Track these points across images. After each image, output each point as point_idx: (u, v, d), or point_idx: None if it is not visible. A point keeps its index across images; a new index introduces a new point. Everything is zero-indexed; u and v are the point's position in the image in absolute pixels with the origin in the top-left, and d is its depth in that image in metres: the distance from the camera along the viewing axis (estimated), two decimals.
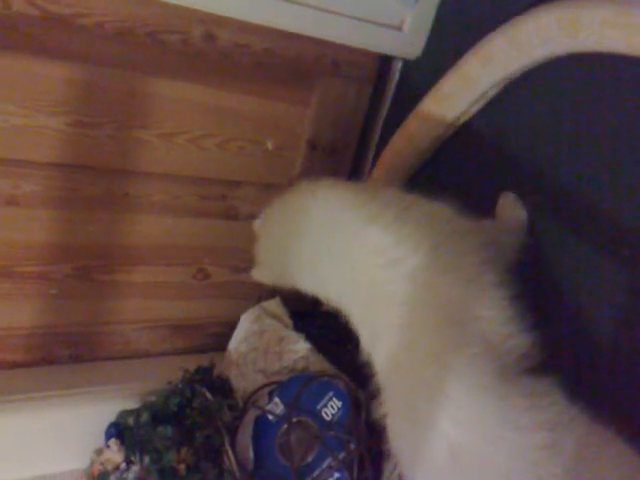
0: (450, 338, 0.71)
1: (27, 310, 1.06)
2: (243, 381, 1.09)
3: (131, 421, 1.02)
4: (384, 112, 1.21)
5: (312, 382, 0.97)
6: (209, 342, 1.23)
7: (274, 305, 1.16)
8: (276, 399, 0.98)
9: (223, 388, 1.08)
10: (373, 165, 1.19)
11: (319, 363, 1.04)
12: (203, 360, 1.13)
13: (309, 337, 1.09)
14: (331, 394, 0.94)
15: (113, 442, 1.00)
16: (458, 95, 1.02)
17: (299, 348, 1.07)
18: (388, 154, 1.14)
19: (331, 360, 1.04)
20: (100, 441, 1.02)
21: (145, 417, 1.01)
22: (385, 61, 1.19)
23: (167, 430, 0.98)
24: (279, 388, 0.99)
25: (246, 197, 1.17)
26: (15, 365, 1.07)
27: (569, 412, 0.66)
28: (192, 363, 1.11)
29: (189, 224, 1.13)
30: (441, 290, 0.74)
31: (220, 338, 1.20)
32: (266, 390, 1.00)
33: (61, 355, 1.11)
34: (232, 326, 1.18)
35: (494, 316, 0.73)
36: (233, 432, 0.99)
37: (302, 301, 1.26)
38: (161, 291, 1.16)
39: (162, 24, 0.98)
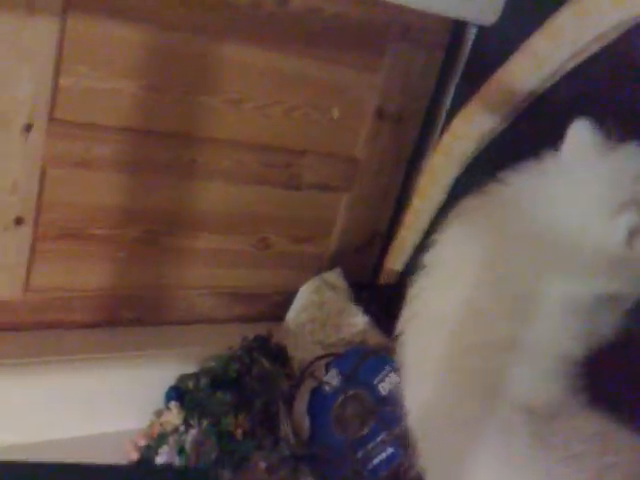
0: (489, 406, 0.63)
1: (95, 272, 1.08)
2: (300, 351, 1.09)
3: (191, 385, 1.03)
4: (456, 80, 1.16)
5: (370, 356, 0.95)
6: (268, 311, 1.23)
7: (334, 276, 1.15)
8: (333, 371, 0.97)
9: (280, 357, 1.09)
10: (442, 134, 1.16)
11: (377, 337, 1.03)
12: (262, 328, 1.14)
13: (368, 310, 1.08)
14: (388, 369, 0.92)
15: (173, 405, 1.02)
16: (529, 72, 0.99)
17: (358, 321, 1.06)
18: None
19: (389, 334, 1.03)
20: (160, 403, 1.05)
21: (204, 382, 1.03)
22: (458, 27, 1.14)
23: (226, 396, 0.99)
24: (336, 360, 0.98)
25: (310, 166, 1.15)
26: (82, 325, 1.10)
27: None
28: (251, 331, 1.12)
29: (253, 192, 1.13)
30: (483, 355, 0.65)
31: (279, 307, 1.20)
32: (323, 361, 1.00)
33: (125, 317, 1.13)
34: (291, 296, 1.18)
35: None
36: (289, 401, 0.99)
37: (363, 273, 1.26)
38: (224, 258, 1.16)
39: None
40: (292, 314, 1.14)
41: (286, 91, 1.08)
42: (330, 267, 1.21)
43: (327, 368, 0.98)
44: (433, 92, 1.18)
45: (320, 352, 1.05)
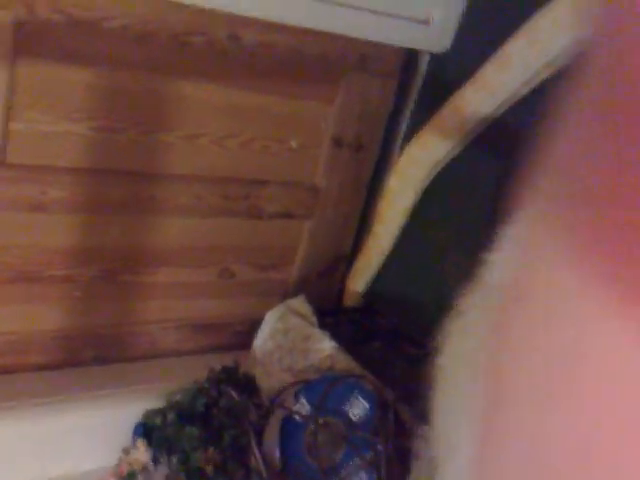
0: None
1: (52, 313, 1.06)
2: (269, 380, 1.09)
3: (158, 421, 1.02)
4: (410, 107, 1.19)
5: (338, 382, 0.96)
6: (234, 341, 1.23)
7: (299, 303, 1.16)
8: (302, 399, 0.98)
9: (249, 387, 1.08)
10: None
11: (345, 362, 1.04)
12: (228, 359, 1.13)
13: (334, 335, 1.08)
14: (357, 394, 0.93)
15: (140, 442, 1.00)
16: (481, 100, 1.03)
17: (325, 347, 1.07)
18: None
19: (358, 359, 1.04)
20: (127, 440, 1.03)
21: (171, 417, 1.02)
22: (411, 55, 1.17)
23: (194, 430, 0.98)
24: (305, 388, 0.99)
25: (271, 196, 1.16)
26: (40, 367, 1.08)
27: None
28: (217, 362, 1.12)
29: (213, 224, 1.13)
30: None
31: (245, 336, 1.20)
32: (292, 390, 1.00)
33: (87, 357, 1.12)
34: (257, 324, 1.18)
35: None
36: (260, 432, 0.99)
37: (327, 298, 1.27)
38: (186, 291, 1.16)
39: (186, 27, 0.98)
40: (258, 342, 1.14)
41: (243, 124, 1.10)
42: (295, 294, 1.22)
43: (296, 397, 0.98)
44: (389, 120, 1.21)
45: (289, 379, 1.05)
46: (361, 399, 0.93)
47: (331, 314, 1.15)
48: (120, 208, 1.04)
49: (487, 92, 1.03)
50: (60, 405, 1.03)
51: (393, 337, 1.13)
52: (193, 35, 0.99)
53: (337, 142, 1.18)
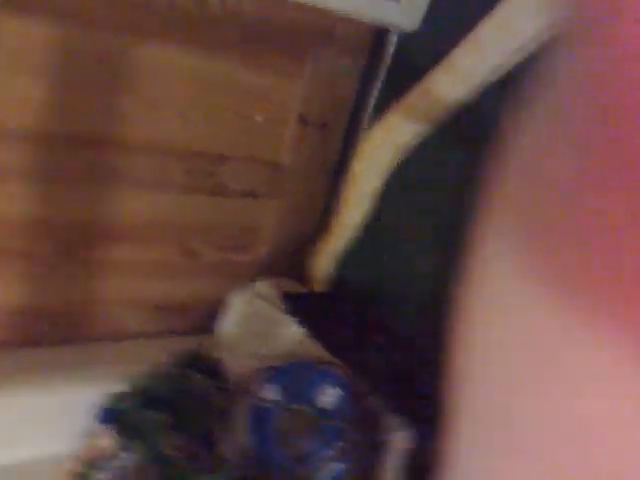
0: None
1: (7, 289, 1.02)
2: (235, 365, 1.07)
3: (123, 406, 1.00)
4: (377, 85, 1.17)
5: (309, 369, 0.96)
6: (198, 323, 1.21)
7: (265, 286, 1.14)
8: (272, 385, 0.97)
9: (214, 372, 1.07)
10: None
11: (314, 349, 1.03)
12: (191, 342, 1.12)
13: (302, 321, 1.08)
14: (329, 382, 0.93)
15: (104, 427, 0.98)
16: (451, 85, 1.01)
17: (292, 332, 1.06)
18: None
19: (327, 346, 1.03)
20: (87, 426, 1.01)
21: (136, 402, 1.00)
22: (381, 32, 1.15)
23: (161, 416, 0.97)
24: (274, 374, 0.98)
25: (234, 173, 1.13)
26: None
27: None
28: (181, 345, 1.10)
29: (175, 200, 1.09)
30: None
31: (209, 319, 1.18)
32: (260, 376, 0.99)
33: (43, 336, 1.08)
34: (220, 308, 1.16)
35: None
36: (228, 418, 0.98)
37: (293, 283, 1.25)
38: (147, 269, 1.13)
39: None
40: (223, 326, 1.13)
41: (207, 94, 1.05)
42: (260, 277, 1.20)
43: (264, 383, 0.98)
44: (356, 99, 1.19)
45: (256, 365, 1.04)
46: (333, 387, 0.93)
47: (298, 299, 1.13)
48: (78, 178, 0.99)
49: (457, 76, 1.02)
50: (14, 386, 0.99)
51: (362, 324, 1.13)
52: None
53: (303, 120, 1.15)
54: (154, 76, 1.00)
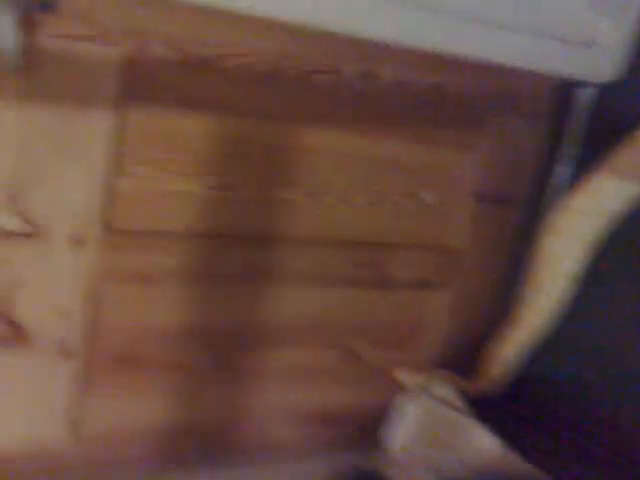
0: None
1: (155, 403, 0.89)
2: None
3: None
4: (564, 153, 1.00)
5: None
6: (361, 436, 1.03)
7: (442, 387, 0.96)
8: None
9: None
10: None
11: (518, 464, 0.83)
12: (357, 459, 0.94)
13: (496, 429, 0.88)
14: None
15: None
16: None
17: (484, 443, 0.86)
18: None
19: (534, 462, 0.83)
20: None
21: None
22: (567, 88, 0.98)
23: None
24: None
25: (402, 262, 0.98)
26: (141, 465, 0.91)
27: None
28: (346, 463, 0.92)
29: (338, 296, 0.95)
30: None
31: (374, 431, 1.00)
32: None
33: (190, 455, 0.93)
34: (388, 415, 0.99)
35: None
36: None
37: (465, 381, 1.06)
38: (307, 377, 0.97)
39: (315, 62, 0.81)
40: (395, 437, 0.94)
41: (372, 177, 0.92)
42: (431, 378, 1.02)
43: None
44: (540, 168, 1.02)
45: None
46: None
47: (483, 401, 0.94)
48: (235, 278, 0.88)
49: None
50: None
51: (565, 431, 0.91)
52: (321, 73, 0.83)
53: (478, 197, 0.99)
54: (317, 162, 0.88)
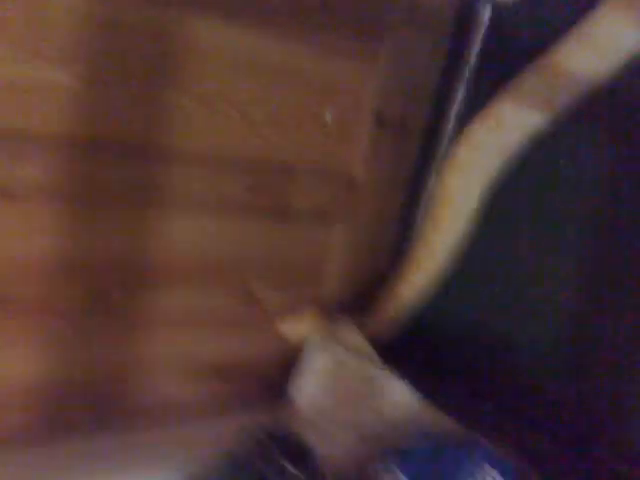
0: None
1: (27, 356, 0.70)
2: (327, 444, 0.78)
3: None
4: (465, 74, 0.94)
5: (454, 451, 0.68)
6: (262, 389, 0.90)
7: (347, 333, 0.86)
8: (400, 475, 0.68)
9: (301, 457, 0.77)
10: (451, 143, 0.93)
11: (439, 419, 0.76)
12: (260, 415, 0.81)
13: (408, 379, 0.80)
14: (487, 468, 0.66)
15: None
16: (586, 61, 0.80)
17: (399, 394, 0.78)
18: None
19: (454, 415, 0.76)
20: None
21: None
22: (468, 7, 0.93)
23: None
24: (403, 460, 0.69)
25: (300, 189, 0.86)
26: (13, 437, 0.71)
27: None
28: (248, 420, 0.79)
29: (235, 226, 0.81)
30: None
31: (277, 381, 0.88)
32: (381, 463, 0.70)
33: (76, 418, 0.75)
34: (290, 365, 0.87)
35: None
36: None
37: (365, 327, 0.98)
38: (199, 321, 0.82)
39: None
40: (302, 391, 0.83)
41: (270, 86, 0.79)
42: (328, 321, 0.92)
43: (389, 471, 0.69)
44: (439, 91, 0.95)
45: (357, 441, 0.75)
46: (493, 475, 0.65)
47: (392, 348, 0.86)
48: (113, 198, 0.70)
49: (594, 51, 0.81)
50: None
51: (479, 380, 0.86)
52: None
53: (379, 118, 0.91)
54: (209, 62, 0.74)
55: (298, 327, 0.92)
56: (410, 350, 0.91)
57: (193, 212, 0.77)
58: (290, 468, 0.72)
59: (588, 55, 0.80)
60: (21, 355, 0.69)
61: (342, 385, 0.81)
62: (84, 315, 0.72)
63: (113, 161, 0.69)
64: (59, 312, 0.70)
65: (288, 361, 0.88)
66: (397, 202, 0.98)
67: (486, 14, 0.92)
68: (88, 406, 0.76)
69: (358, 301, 0.96)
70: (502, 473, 0.65)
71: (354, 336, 0.85)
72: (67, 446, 0.72)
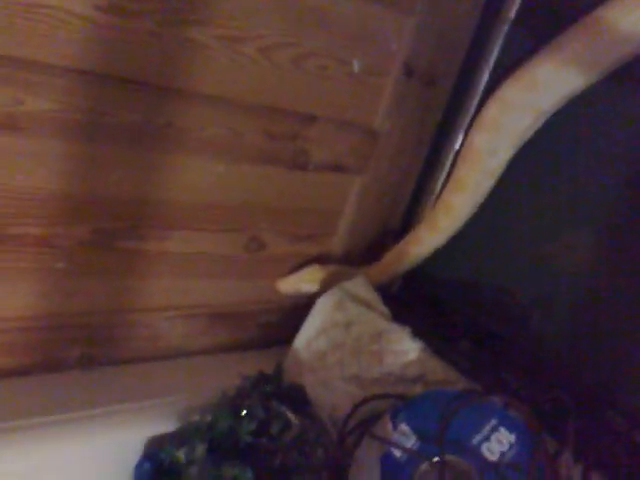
0: None
1: (23, 292, 0.71)
2: (327, 393, 0.78)
3: (181, 456, 0.70)
4: (504, 28, 0.90)
5: (460, 401, 0.67)
6: (263, 335, 0.91)
7: (359, 286, 0.85)
8: (403, 425, 0.68)
9: (302, 405, 0.77)
10: (481, 100, 0.90)
11: (442, 371, 0.75)
12: (260, 361, 0.82)
13: (416, 331, 0.80)
14: (495, 422, 0.65)
15: None
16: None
17: (407, 348, 0.78)
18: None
19: (462, 368, 0.76)
20: None
21: (201, 451, 0.70)
22: None
23: (245, 473, 0.66)
24: (407, 410, 0.69)
25: (320, 138, 0.85)
26: (5, 373, 0.73)
27: None
28: (246, 366, 0.80)
29: (247, 173, 0.80)
30: None
31: (278, 329, 0.88)
32: (387, 412, 0.70)
33: (69, 357, 0.77)
34: (293, 313, 0.88)
35: None
36: (338, 476, 0.69)
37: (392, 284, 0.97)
38: (202, 266, 0.82)
39: None
40: (304, 338, 0.83)
41: (298, 30, 0.77)
42: (337, 273, 0.91)
43: (393, 421, 0.69)
44: (472, 49, 0.92)
45: (358, 393, 0.75)
46: (502, 430, 0.65)
47: (400, 301, 0.85)
48: (125, 137, 0.69)
49: None
50: (30, 433, 0.68)
51: (478, 335, 0.85)
52: None
53: (408, 71, 0.88)
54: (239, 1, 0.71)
55: (300, 282, 0.91)
56: (415, 303, 0.90)
57: (207, 155, 0.76)
58: (289, 414, 0.73)
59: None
60: (17, 290, 0.70)
61: (347, 336, 0.80)
62: (85, 255, 0.72)
63: (126, 97, 0.68)
64: (59, 250, 0.70)
65: (293, 310, 0.88)
66: (419, 158, 0.96)
67: None
68: (83, 344, 0.77)
69: (367, 254, 0.95)
70: (510, 430, 0.64)
71: (365, 288, 0.85)
72: (62, 380, 0.74)
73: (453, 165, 0.91)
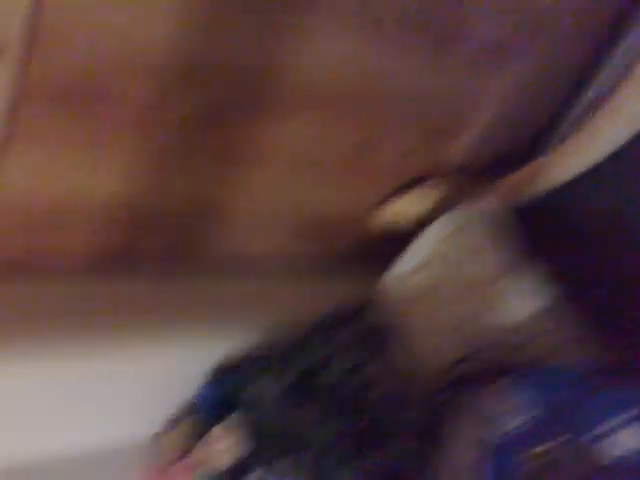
0: None
1: (106, 171, 0.60)
2: (426, 341, 0.67)
3: (252, 390, 0.61)
4: None
5: (594, 383, 0.55)
6: (355, 257, 0.78)
7: (479, 215, 0.71)
8: (519, 401, 0.57)
9: (383, 350, 0.66)
10: None
11: (572, 333, 0.62)
12: (349, 288, 0.70)
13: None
14: (635, 413, 0.53)
15: (227, 425, 0.60)
16: None
17: (528, 299, 0.64)
18: None
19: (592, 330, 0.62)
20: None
21: (279, 384, 0.61)
22: None
23: (336, 421, 0.58)
24: (525, 383, 0.58)
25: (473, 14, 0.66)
26: (86, 262, 0.65)
27: None
28: (338, 291, 0.69)
29: (382, 52, 0.63)
30: None
31: (373, 254, 0.75)
32: (499, 384, 0.59)
33: (150, 250, 0.68)
34: (394, 238, 0.74)
35: None
36: (431, 442, 0.59)
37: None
38: (308, 165, 0.69)
39: None
40: (404, 269, 0.70)
41: None
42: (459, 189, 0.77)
43: (508, 396, 0.57)
44: None
45: (459, 344, 0.64)
46: (635, 423, 0.53)
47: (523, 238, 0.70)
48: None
49: None
50: (100, 344, 0.61)
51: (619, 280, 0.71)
52: None
53: None
54: None
55: (411, 207, 0.77)
56: (544, 238, 0.75)
57: (341, 30, 0.60)
58: (366, 358, 0.63)
59: None
60: (112, 171, 0.60)
61: (457, 272, 0.68)
62: (187, 131, 0.59)
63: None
64: (160, 122, 0.58)
65: (394, 235, 0.74)
66: (578, 57, 0.76)
67: None
68: (166, 238, 0.68)
69: (494, 166, 0.79)
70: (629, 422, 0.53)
71: (485, 218, 0.70)
72: (135, 286, 0.65)
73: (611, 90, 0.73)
